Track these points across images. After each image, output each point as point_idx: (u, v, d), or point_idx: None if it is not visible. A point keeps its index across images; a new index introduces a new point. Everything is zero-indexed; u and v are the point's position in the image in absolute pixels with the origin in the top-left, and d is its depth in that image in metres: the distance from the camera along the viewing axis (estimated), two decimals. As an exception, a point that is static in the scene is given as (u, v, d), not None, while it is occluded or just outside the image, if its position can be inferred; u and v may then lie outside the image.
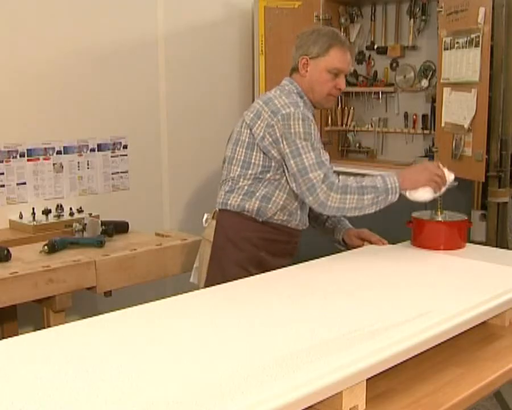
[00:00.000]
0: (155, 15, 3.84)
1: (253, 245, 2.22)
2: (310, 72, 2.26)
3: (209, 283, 2.16)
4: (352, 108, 4.41)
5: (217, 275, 2.17)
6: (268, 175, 2.18)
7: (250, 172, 2.18)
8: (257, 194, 2.18)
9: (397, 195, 2.11)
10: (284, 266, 2.02)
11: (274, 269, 1.99)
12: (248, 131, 2.18)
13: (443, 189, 2.14)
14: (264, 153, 2.16)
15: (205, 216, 2.36)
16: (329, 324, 1.51)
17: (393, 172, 2.17)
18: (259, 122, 2.16)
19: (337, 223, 2.41)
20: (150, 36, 3.82)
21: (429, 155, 3.95)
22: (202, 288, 2.17)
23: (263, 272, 1.97)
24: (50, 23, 3.37)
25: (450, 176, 2.16)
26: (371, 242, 2.33)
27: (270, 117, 2.14)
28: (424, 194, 2.13)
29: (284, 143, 2.10)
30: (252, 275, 1.96)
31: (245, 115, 2.24)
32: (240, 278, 1.91)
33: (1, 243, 2.78)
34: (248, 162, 2.19)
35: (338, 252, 2.22)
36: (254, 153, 2.17)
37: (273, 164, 2.17)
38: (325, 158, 2.11)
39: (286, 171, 2.14)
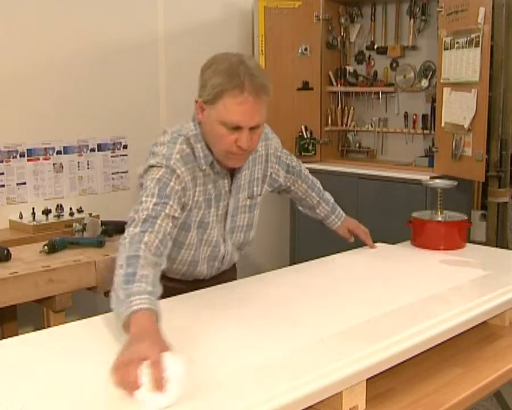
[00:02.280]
0: (155, 15, 3.84)
1: None
2: (204, 121, 1.74)
3: None
4: (352, 108, 4.41)
5: None
6: None
7: None
8: None
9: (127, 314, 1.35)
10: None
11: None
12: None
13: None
14: None
15: None
16: (328, 324, 1.51)
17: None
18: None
19: (331, 213, 2.24)
20: (150, 36, 3.82)
21: (429, 155, 3.95)
22: None
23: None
24: (50, 23, 3.36)
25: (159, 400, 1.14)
26: (363, 241, 2.28)
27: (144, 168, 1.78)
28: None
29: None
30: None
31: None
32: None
33: (1, 243, 2.77)
34: None
35: (338, 252, 2.22)
36: None
37: None
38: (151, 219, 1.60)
39: None
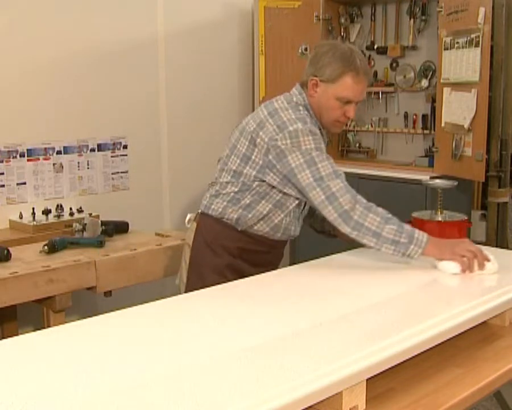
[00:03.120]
0: (155, 15, 3.84)
1: (230, 253, 2.16)
2: (319, 95, 2.09)
3: (189, 288, 2.12)
4: (352, 108, 4.41)
5: (195, 281, 2.13)
6: (258, 186, 2.09)
7: (240, 179, 2.11)
8: (242, 202, 2.12)
9: (420, 252, 1.92)
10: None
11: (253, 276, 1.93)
12: (247, 142, 2.08)
13: (476, 270, 1.89)
14: (260, 165, 2.06)
15: (188, 216, 2.29)
16: (328, 324, 1.51)
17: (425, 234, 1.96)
18: (261, 133, 2.05)
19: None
20: (150, 36, 3.82)
21: (429, 155, 3.95)
22: (184, 292, 2.14)
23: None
24: (50, 23, 3.37)
25: (492, 266, 1.91)
26: None
27: (275, 130, 2.02)
28: (450, 266, 1.91)
29: (294, 155, 1.98)
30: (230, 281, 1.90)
31: (247, 122, 2.13)
32: (219, 284, 1.87)
33: (1, 243, 2.78)
34: (239, 173, 2.10)
35: (338, 252, 2.22)
36: (248, 165, 2.08)
37: (268, 177, 2.07)
38: (340, 171, 2.02)
39: (294, 185, 2.04)
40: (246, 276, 1.96)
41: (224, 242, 2.16)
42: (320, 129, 2.11)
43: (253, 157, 2.08)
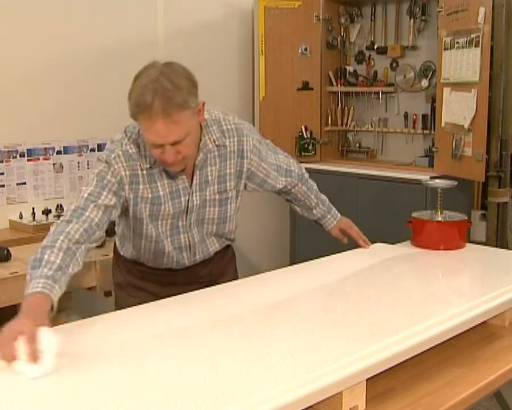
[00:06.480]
0: (155, 15, 3.84)
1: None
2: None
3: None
4: (352, 108, 4.41)
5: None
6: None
7: None
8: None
9: None
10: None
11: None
12: None
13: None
14: None
15: None
16: (328, 324, 1.51)
17: None
18: None
19: (327, 212, 2.27)
20: (150, 36, 3.82)
21: (429, 155, 3.95)
22: None
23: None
24: (49, 23, 3.36)
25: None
26: (356, 241, 2.28)
27: None
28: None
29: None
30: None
31: None
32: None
33: (1, 243, 2.77)
34: None
35: (338, 252, 2.22)
36: None
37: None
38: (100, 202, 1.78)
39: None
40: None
41: None
42: (155, 162, 1.81)
43: None
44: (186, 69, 1.78)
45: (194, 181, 1.88)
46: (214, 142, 1.88)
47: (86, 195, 1.75)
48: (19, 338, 1.30)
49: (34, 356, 1.28)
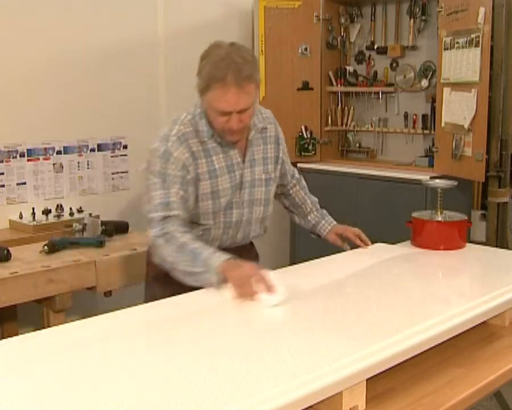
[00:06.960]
0: (155, 15, 3.84)
1: None
2: (202, 102, 1.97)
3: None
4: (352, 108, 4.41)
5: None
6: None
7: None
8: None
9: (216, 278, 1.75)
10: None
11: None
12: None
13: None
14: None
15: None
16: (328, 324, 1.51)
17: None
18: None
19: (321, 218, 2.29)
20: (150, 36, 3.82)
21: (429, 155, 3.95)
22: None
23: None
24: (49, 23, 3.36)
25: (272, 299, 1.64)
26: (353, 242, 2.27)
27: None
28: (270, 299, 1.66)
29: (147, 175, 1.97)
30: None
31: None
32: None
33: (1, 243, 2.78)
34: None
35: (338, 252, 2.22)
36: None
37: None
38: (172, 200, 1.90)
39: None
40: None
41: None
42: (212, 135, 1.96)
43: None
44: (248, 48, 1.98)
45: (246, 158, 2.02)
46: (260, 123, 2.06)
47: (160, 200, 1.88)
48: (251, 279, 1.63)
49: (272, 289, 1.62)
